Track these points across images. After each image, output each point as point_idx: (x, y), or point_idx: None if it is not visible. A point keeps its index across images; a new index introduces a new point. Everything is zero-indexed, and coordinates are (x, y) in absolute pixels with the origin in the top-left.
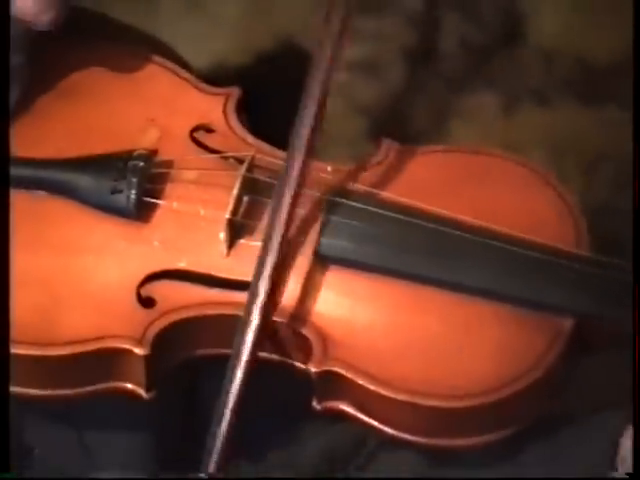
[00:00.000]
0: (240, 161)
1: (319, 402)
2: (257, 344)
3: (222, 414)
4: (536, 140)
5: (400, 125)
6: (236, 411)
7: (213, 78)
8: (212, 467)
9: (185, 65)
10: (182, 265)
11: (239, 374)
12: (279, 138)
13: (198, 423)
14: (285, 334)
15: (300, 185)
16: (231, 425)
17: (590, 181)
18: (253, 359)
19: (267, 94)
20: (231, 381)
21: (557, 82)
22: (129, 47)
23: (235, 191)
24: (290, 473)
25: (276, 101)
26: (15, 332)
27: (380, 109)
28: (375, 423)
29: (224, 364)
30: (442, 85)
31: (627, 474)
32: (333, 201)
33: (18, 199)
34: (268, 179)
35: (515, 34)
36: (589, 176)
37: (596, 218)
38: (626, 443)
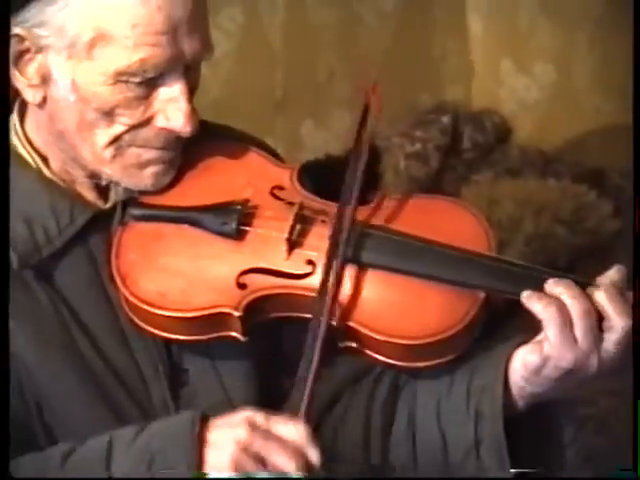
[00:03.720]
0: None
1: (341, 342)
2: (329, 316)
3: (309, 362)
4: (508, 198)
5: (437, 189)
6: (320, 360)
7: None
8: (304, 401)
9: (269, 150)
10: (262, 264)
11: (320, 336)
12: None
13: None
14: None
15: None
16: (316, 372)
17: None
18: (327, 325)
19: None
20: (314, 340)
21: (526, 164)
22: (235, 141)
23: (290, 222)
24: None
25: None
26: (166, 303)
27: (425, 181)
28: (373, 354)
29: (293, 324)
30: (462, 167)
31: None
32: (366, 232)
33: (169, 228)
34: (311, 214)
35: (503, 137)
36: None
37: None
38: None
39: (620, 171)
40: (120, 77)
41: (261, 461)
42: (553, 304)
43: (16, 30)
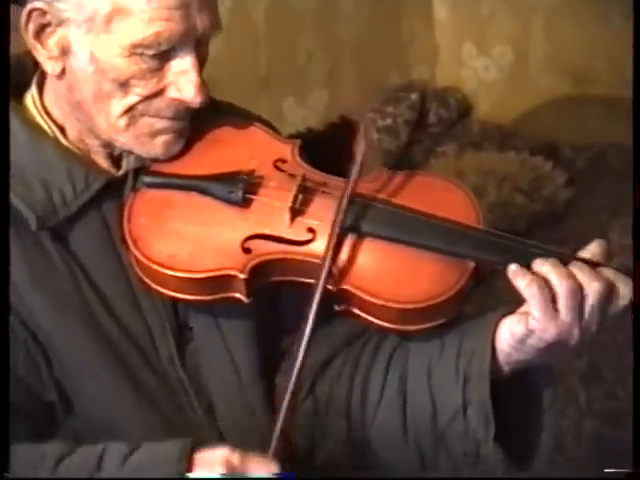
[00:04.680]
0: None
1: (338, 306)
2: (326, 281)
3: (308, 316)
4: (473, 169)
5: (406, 160)
6: (317, 314)
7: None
8: (300, 357)
9: (270, 126)
10: (266, 231)
11: (318, 295)
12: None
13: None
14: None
15: (352, 196)
16: (315, 320)
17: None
18: (324, 288)
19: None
20: (313, 301)
21: (486, 138)
22: (240, 117)
23: (294, 192)
24: (326, 343)
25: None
26: (175, 264)
27: (395, 153)
28: (369, 317)
29: (292, 286)
30: (428, 140)
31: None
32: (359, 201)
33: (180, 195)
34: (313, 186)
35: (464, 113)
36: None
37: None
38: None
39: (571, 145)
40: (135, 49)
41: None
42: (535, 282)
43: (38, 4)
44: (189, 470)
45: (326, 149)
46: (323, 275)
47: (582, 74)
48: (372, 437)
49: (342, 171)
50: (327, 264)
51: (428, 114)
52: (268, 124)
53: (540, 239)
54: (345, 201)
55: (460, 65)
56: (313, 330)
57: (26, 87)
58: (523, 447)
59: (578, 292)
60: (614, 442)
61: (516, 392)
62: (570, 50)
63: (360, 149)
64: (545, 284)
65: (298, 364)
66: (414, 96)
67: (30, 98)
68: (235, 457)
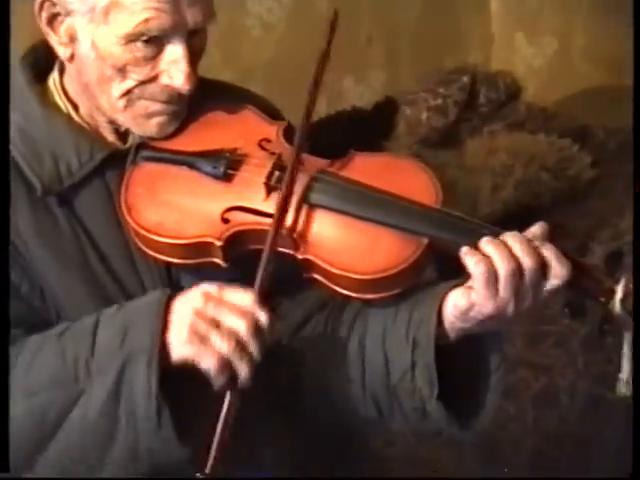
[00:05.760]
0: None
1: (306, 274)
2: (274, 245)
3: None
4: (504, 148)
5: (453, 136)
6: (269, 259)
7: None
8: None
9: (267, 106)
10: (243, 204)
11: (266, 253)
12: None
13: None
14: (289, 240)
15: (296, 167)
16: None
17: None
18: (272, 250)
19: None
20: (265, 257)
21: (530, 118)
22: (234, 100)
23: (268, 168)
24: (301, 306)
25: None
26: (163, 231)
27: (443, 130)
28: (332, 285)
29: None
30: (477, 119)
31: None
32: (318, 176)
33: (173, 169)
34: (287, 163)
35: (513, 95)
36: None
37: None
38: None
39: (605, 128)
40: (130, 38)
41: (215, 324)
42: (482, 262)
43: None
44: (169, 307)
45: (369, 125)
46: (271, 233)
47: (616, 65)
48: (337, 389)
49: (378, 145)
50: (275, 224)
51: (478, 95)
52: (265, 104)
53: (562, 214)
54: (290, 166)
55: (512, 52)
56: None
57: (51, 70)
58: (468, 406)
59: (517, 273)
60: (607, 403)
61: (465, 355)
62: (606, 43)
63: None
64: (490, 266)
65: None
66: (465, 79)
67: (52, 79)
68: (213, 288)
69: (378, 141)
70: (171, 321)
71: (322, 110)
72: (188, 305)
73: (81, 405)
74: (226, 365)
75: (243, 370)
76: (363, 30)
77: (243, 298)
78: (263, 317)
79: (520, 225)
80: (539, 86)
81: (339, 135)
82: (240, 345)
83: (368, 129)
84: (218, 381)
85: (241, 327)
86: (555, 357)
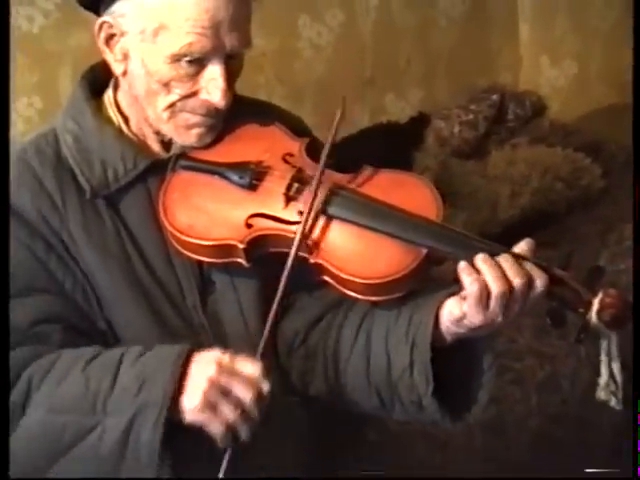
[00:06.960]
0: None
1: (318, 277)
2: (298, 249)
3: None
4: (522, 160)
5: (482, 147)
6: (293, 266)
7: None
8: (260, 346)
9: (296, 123)
10: (265, 211)
11: (291, 260)
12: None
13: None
14: (304, 245)
15: (321, 180)
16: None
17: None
18: (296, 256)
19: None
20: (289, 263)
21: (552, 134)
22: (264, 117)
23: (288, 180)
24: (317, 304)
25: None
26: (193, 232)
27: (472, 142)
28: (341, 288)
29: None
30: (505, 133)
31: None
32: (336, 191)
33: (206, 177)
34: (307, 177)
35: (538, 112)
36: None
37: None
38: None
39: (617, 142)
40: (175, 58)
41: (226, 393)
42: (477, 282)
43: (107, 19)
44: (185, 369)
45: (403, 136)
46: (296, 242)
47: (627, 87)
48: (345, 381)
49: (409, 155)
50: (299, 235)
51: (507, 112)
52: (294, 121)
53: (575, 220)
54: (315, 183)
55: (537, 74)
56: (287, 284)
57: (107, 87)
58: (462, 402)
59: (507, 293)
60: None
61: (460, 356)
62: (620, 65)
63: (329, 139)
64: (484, 285)
65: (275, 305)
66: (495, 97)
67: (107, 95)
68: (226, 357)
69: (410, 151)
70: (186, 386)
71: (365, 122)
72: (203, 373)
73: (95, 436)
74: (231, 429)
75: (244, 432)
76: (403, 54)
77: (251, 369)
78: (266, 387)
79: (535, 229)
80: (561, 105)
81: (376, 145)
82: (245, 413)
83: (402, 140)
84: (222, 443)
85: (247, 397)
86: (559, 347)
